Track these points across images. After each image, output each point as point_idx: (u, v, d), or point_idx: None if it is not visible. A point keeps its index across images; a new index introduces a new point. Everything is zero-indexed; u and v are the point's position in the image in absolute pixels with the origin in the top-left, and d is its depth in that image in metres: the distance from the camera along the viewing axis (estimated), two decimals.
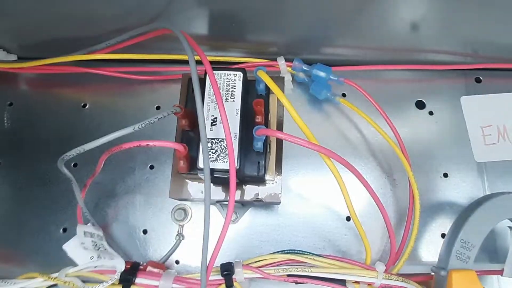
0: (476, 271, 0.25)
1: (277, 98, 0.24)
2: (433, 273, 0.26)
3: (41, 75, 0.34)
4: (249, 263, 0.25)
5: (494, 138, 0.32)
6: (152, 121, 0.23)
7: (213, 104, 0.24)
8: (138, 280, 0.24)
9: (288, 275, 0.25)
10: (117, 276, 0.24)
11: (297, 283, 0.25)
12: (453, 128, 0.32)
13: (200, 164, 0.23)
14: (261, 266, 0.25)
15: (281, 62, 0.31)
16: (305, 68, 0.32)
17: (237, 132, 0.24)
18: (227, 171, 0.23)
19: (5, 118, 0.33)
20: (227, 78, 0.25)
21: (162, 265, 0.27)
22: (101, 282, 0.24)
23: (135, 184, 0.31)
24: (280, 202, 0.27)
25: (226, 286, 0.25)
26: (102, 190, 0.31)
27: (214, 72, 0.24)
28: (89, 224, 0.27)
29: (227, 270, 0.25)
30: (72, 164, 0.31)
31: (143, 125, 0.22)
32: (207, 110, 0.24)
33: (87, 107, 0.33)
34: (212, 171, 0.23)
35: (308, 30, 0.31)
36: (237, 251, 0.29)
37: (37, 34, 0.32)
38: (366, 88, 0.31)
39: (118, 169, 0.31)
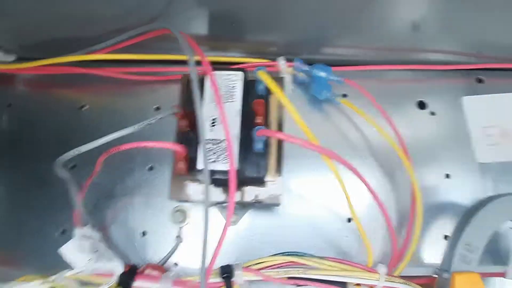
0: (480, 273, 0.24)
1: (278, 98, 0.24)
2: (435, 276, 0.26)
3: (40, 76, 0.34)
4: (249, 265, 0.25)
5: (496, 139, 0.32)
6: (151, 122, 0.22)
7: (213, 104, 0.24)
8: (136, 283, 0.24)
9: (289, 278, 0.25)
10: (115, 279, 0.24)
11: (297, 285, 0.25)
12: (455, 129, 0.32)
13: (200, 165, 0.23)
14: (261, 268, 0.25)
15: (281, 62, 0.31)
16: (305, 68, 0.31)
17: (237, 133, 0.24)
18: (226, 172, 0.23)
19: (3, 119, 0.33)
20: (227, 79, 0.25)
21: (161, 268, 0.27)
22: (99, 285, 0.24)
23: (134, 185, 0.31)
24: (280, 203, 0.27)
25: None
26: (101, 191, 0.30)
27: (214, 72, 0.24)
28: (86, 227, 0.27)
29: (226, 272, 0.24)
30: (71, 166, 0.31)
31: (141, 126, 0.22)
32: (206, 110, 0.24)
33: (86, 108, 0.33)
34: (212, 172, 0.23)
35: (308, 30, 0.31)
36: (237, 253, 0.29)
37: (37, 34, 0.32)
38: (367, 88, 0.31)
39: (117, 170, 0.31)
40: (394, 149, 0.29)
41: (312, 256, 0.26)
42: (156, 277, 0.25)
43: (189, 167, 0.24)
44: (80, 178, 0.27)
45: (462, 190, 0.31)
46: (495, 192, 0.30)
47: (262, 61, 0.32)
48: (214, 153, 0.23)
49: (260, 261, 0.25)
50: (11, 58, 0.34)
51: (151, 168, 0.31)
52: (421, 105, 0.33)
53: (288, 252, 0.26)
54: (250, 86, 0.26)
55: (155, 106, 0.33)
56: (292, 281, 0.25)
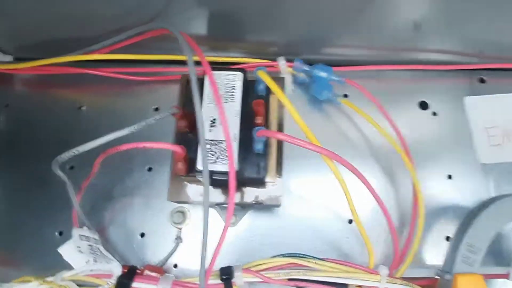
0: (482, 275, 0.24)
1: (278, 98, 0.23)
2: (438, 277, 0.26)
3: (38, 76, 0.34)
4: (249, 267, 0.25)
5: (499, 139, 0.32)
6: (149, 122, 0.22)
7: (212, 105, 0.24)
8: (135, 284, 0.24)
9: (289, 279, 0.25)
10: (113, 280, 0.24)
11: (298, 287, 0.25)
12: (457, 129, 0.32)
13: (199, 166, 0.23)
14: (261, 270, 0.25)
15: (281, 62, 0.31)
16: (305, 68, 0.31)
17: (236, 133, 0.24)
18: (226, 173, 0.22)
19: (1, 120, 0.33)
20: (226, 79, 0.25)
21: (160, 269, 0.27)
22: (97, 286, 0.24)
23: (133, 186, 0.31)
24: (280, 205, 0.27)
25: None
26: (100, 192, 0.30)
27: (213, 72, 0.24)
28: (84, 227, 0.27)
29: (226, 274, 0.24)
30: (69, 167, 0.31)
31: (140, 127, 0.22)
32: (206, 111, 0.24)
33: (84, 108, 0.33)
34: (211, 173, 0.23)
35: (309, 30, 0.31)
36: (236, 255, 0.29)
37: (36, 35, 0.32)
38: (368, 88, 0.30)
39: (116, 171, 0.31)
40: (395, 150, 0.29)
41: (312, 257, 0.26)
42: (155, 278, 0.24)
43: (188, 168, 0.24)
44: (78, 179, 0.27)
45: (464, 191, 0.30)
46: (497, 193, 0.30)
47: (262, 61, 0.32)
48: (214, 154, 0.23)
49: (260, 263, 0.25)
50: (9, 58, 0.34)
51: (150, 169, 0.31)
52: (423, 106, 0.33)
53: (288, 253, 0.26)
54: (250, 86, 0.26)
55: (154, 107, 0.33)
56: (293, 283, 0.25)
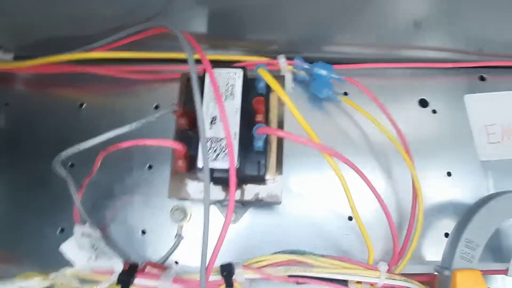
0: (481, 271, 0.24)
1: (278, 96, 0.24)
2: (436, 273, 0.26)
3: (38, 75, 0.34)
4: (250, 264, 0.25)
5: (498, 137, 0.32)
6: (149, 120, 0.22)
7: (213, 102, 0.24)
8: (136, 281, 0.24)
9: (289, 276, 0.25)
10: (115, 277, 0.24)
11: (298, 283, 0.25)
12: (456, 127, 0.32)
13: (200, 163, 0.23)
14: (262, 267, 0.25)
15: (281, 60, 0.31)
16: (306, 67, 0.31)
17: (237, 131, 0.24)
18: (227, 170, 0.22)
19: (1, 118, 0.33)
20: (226, 76, 0.25)
21: (161, 266, 0.27)
22: (98, 282, 0.24)
23: (133, 184, 0.31)
24: (280, 202, 0.27)
25: (226, 287, 0.24)
26: (100, 190, 0.30)
27: (213, 70, 0.24)
28: (86, 225, 0.27)
29: (227, 270, 0.24)
30: (69, 164, 0.31)
31: (140, 124, 0.22)
32: (206, 108, 0.24)
33: (84, 106, 0.33)
34: (212, 170, 0.23)
35: (309, 28, 0.31)
36: (237, 252, 0.29)
37: (36, 34, 0.32)
38: (368, 86, 0.30)
39: (116, 169, 0.31)
40: (395, 147, 0.29)
41: (312, 254, 0.26)
42: (156, 275, 0.24)
43: (188, 166, 0.24)
44: (79, 177, 0.27)
45: (463, 188, 0.30)
46: (496, 189, 0.30)
47: (262, 59, 0.32)
48: (214, 151, 0.23)
49: (260, 259, 0.25)
50: (9, 56, 0.34)
51: (150, 167, 0.31)
52: (423, 103, 0.33)
53: (288, 250, 0.26)
54: (250, 84, 0.26)
55: (154, 105, 0.33)
56: (293, 279, 0.25)
